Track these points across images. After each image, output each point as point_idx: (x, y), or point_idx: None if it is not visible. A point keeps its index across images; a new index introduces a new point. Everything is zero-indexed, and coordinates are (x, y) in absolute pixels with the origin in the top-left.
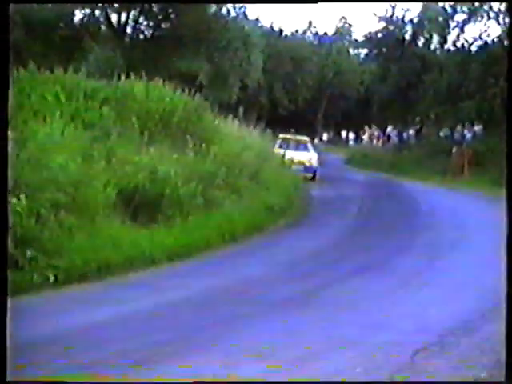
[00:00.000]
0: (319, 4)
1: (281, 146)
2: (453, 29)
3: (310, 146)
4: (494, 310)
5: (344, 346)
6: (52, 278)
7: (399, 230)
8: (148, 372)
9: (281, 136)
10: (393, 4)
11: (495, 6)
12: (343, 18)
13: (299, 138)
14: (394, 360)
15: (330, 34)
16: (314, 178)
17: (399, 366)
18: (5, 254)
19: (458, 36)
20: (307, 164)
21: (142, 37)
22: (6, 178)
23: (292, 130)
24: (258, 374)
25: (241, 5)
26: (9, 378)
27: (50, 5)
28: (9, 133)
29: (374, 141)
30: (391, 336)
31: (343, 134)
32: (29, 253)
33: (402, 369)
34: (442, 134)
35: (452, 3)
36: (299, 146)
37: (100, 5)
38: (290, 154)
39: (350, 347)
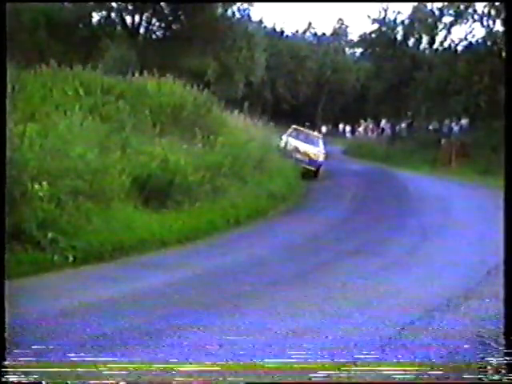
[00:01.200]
0: (318, 6)
1: (290, 135)
2: (441, 30)
3: (320, 142)
4: (475, 288)
5: (336, 322)
6: (71, 258)
7: (390, 215)
8: (158, 344)
9: (293, 126)
10: (385, 7)
11: (479, 8)
12: (340, 19)
13: (312, 132)
14: (383, 334)
15: (327, 34)
16: (316, 173)
17: (388, 339)
18: (2, 244)
19: (445, 37)
20: (313, 157)
21: (154, 37)
22: (4, 168)
23: (307, 123)
24: (258, 346)
25: (245, 7)
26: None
27: (70, 7)
28: (7, 128)
29: (369, 133)
30: (381, 312)
31: (340, 126)
32: (50, 235)
33: (390, 342)
34: (431, 127)
35: (440, 6)
36: (309, 138)
37: (115, 7)
38: (297, 144)
39: (342, 322)
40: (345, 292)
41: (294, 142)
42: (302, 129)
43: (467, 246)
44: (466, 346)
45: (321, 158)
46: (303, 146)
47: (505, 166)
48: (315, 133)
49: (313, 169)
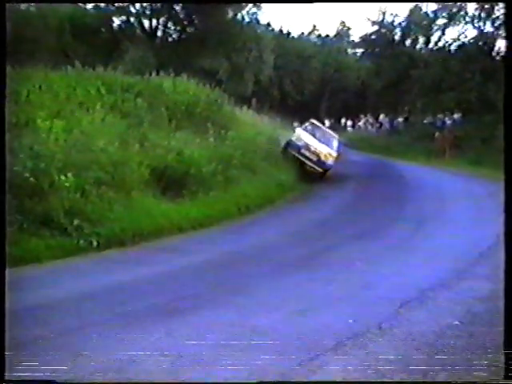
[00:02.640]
0: (321, 10)
1: (306, 129)
2: (435, 31)
3: (335, 142)
4: (466, 270)
5: (340, 301)
6: (95, 243)
7: (390, 202)
8: (175, 321)
9: (311, 120)
10: (383, 10)
11: (471, 11)
12: (342, 22)
13: (329, 131)
14: (382, 312)
15: (331, 35)
16: (323, 175)
17: (386, 317)
18: (3, 241)
19: (439, 37)
20: (322, 158)
21: (170, 39)
22: (4, 164)
23: (327, 119)
24: (267, 323)
25: (254, 11)
26: (7, 378)
27: (93, 12)
28: (6, 128)
29: (369, 127)
30: (381, 291)
31: (342, 121)
32: (75, 222)
33: (388, 319)
34: (426, 121)
35: (434, 8)
36: (324, 137)
37: (134, 12)
38: (309, 141)
39: (345, 302)
40: (348, 274)
41: (306, 138)
42: (319, 125)
43: (461, 231)
44: (456, 323)
45: (330, 161)
46: (315, 144)
47: (504, 165)
48: (332, 132)
49: (319, 170)
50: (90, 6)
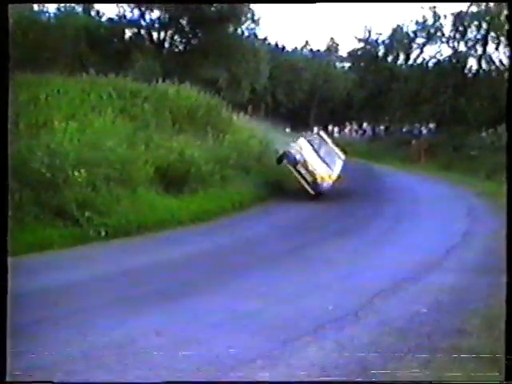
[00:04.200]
0: (313, 26)
1: (311, 142)
2: (414, 49)
3: (338, 163)
4: (436, 264)
5: (321, 290)
6: (103, 233)
7: (370, 202)
8: (174, 305)
9: (320, 132)
10: (369, 28)
11: (446, 32)
12: (332, 38)
13: (335, 148)
14: (358, 300)
15: (321, 50)
16: (316, 195)
17: (361, 304)
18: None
19: (418, 55)
20: (318, 179)
21: (176, 50)
22: (6, 159)
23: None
24: (255, 309)
25: (252, 27)
26: (8, 379)
27: (107, 25)
28: (8, 126)
29: (353, 134)
30: (358, 282)
31: (329, 128)
32: (86, 214)
33: (363, 307)
34: (404, 129)
35: (414, 29)
36: (328, 154)
37: (144, 25)
38: (309, 157)
39: (325, 291)
40: (329, 265)
41: (307, 153)
42: (327, 139)
43: (431, 229)
44: (424, 310)
45: (326, 184)
46: (315, 163)
47: (506, 168)
48: (338, 150)
49: (311, 192)
50: (104, 18)
